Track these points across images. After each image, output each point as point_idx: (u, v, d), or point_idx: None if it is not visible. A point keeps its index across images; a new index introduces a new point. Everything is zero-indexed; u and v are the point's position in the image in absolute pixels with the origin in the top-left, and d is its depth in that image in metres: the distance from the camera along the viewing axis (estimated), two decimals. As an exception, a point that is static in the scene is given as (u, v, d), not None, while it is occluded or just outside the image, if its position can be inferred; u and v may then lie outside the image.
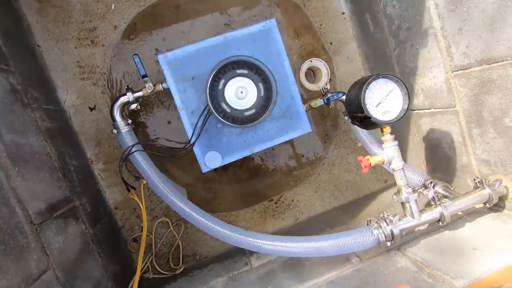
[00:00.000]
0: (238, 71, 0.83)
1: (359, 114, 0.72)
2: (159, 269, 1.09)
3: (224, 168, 1.14)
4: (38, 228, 0.65)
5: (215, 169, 1.12)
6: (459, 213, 0.87)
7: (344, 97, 1.02)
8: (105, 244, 0.93)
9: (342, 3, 1.17)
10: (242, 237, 0.87)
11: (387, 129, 0.74)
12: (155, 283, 1.06)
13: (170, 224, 1.11)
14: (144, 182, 0.92)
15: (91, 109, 1.04)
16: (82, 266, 0.77)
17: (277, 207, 1.20)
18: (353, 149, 1.23)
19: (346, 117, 1.06)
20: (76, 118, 1.03)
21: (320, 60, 1.18)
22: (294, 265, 0.90)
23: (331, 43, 1.18)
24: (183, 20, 1.07)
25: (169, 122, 1.09)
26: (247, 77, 0.84)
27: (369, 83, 0.70)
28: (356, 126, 1.03)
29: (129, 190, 0.96)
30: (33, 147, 0.74)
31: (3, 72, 0.73)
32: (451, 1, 0.73)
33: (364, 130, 1.01)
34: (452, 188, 0.83)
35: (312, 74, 1.23)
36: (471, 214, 0.84)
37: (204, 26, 1.08)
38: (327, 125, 1.22)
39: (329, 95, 1.02)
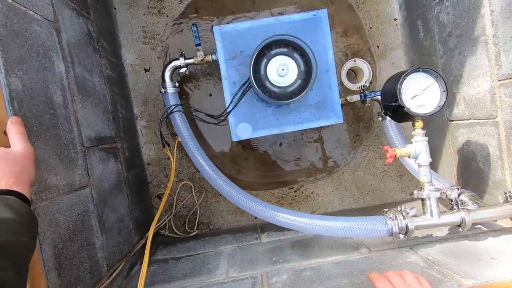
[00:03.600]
0: (283, 50, 0.89)
1: (393, 104, 0.73)
2: (174, 229, 1.16)
3: (253, 147, 1.19)
4: (86, 151, 0.74)
5: (243, 147, 1.19)
6: (483, 228, 0.83)
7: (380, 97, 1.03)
8: (134, 190, 1.01)
9: (396, 9, 1.18)
10: (250, 202, 0.91)
11: (419, 123, 0.75)
12: (169, 241, 1.13)
13: (193, 189, 1.18)
14: (179, 139, 1.00)
15: (146, 70, 1.15)
16: (113, 198, 0.85)
17: (295, 195, 1.22)
18: (382, 154, 1.22)
19: (380, 119, 1.07)
20: (131, 75, 1.15)
21: (364, 61, 1.20)
22: (302, 245, 0.92)
23: (378, 47, 1.20)
24: (241, 8, 1.16)
25: (210, 95, 1.17)
26: (291, 57, 0.89)
27: (408, 74, 0.72)
28: (389, 129, 1.04)
29: (163, 146, 1.05)
30: (95, 85, 0.85)
31: (85, 18, 0.85)
32: (507, 8, 0.72)
33: (395, 128, 1.01)
34: (479, 199, 0.81)
35: (353, 74, 1.26)
36: (496, 231, 0.80)
37: (259, 16, 1.16)
38: (359, 126, 1.22)
39: (366, 92, 1.04)
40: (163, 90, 1.02)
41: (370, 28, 1.20)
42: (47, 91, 0.63)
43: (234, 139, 0.97)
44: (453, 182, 1.02)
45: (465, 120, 0.92)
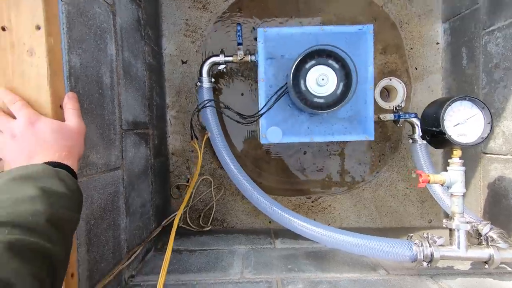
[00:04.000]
0: (325, 60, 0.89)
1: (434, 129, 0.72)
2: (189, 222, 1.17)
3: (276, 152, 1.19)
4: (123, 133, 0.76)
5: (266, 151, 1.19)
6: (509, 268, 0.81)
7: (415, 119, 1.02)
8: (157, 177, 1.03)
9: (440, 33, 1.17)
10: (272, 207, 0.91)
11: (458, 152, 0.74)
12: (182, 232, 1.14)
13: (212, 185, 1.19)
14: (209, 134, 1.01)
15: (183, 62, 1.17)
16: (139, 183, 0.86)
17: (312, 206, 1.21)
18: (406, 177, 1.21)
19: (410, 141, 1.05)
20: (168, 65, 1.17)
21: (400, 81, 1.18)
22: (317, 257, 0.91)
23: (416, 68, 1.19)
24: (284, 13, 1.16)
25: (242, 94, 1.18)
26: (332, 68, 0.89)
27: (453, 101, 0.71)
28: (419, 153, 1.02)
29: (192, 138, 1.06)
30: (138, 71, 0.87)
31: (137, 5, 0.88)
32: None
33: (424, 153, 0.99)
34: (507, 238, 0.78)
35: (386, 93, 1.24)
36: (522, 272, 0.78)
37: (301, 23, 1.17)
38: (386, 145, 1.21)
39: (401, 113, 1.03)
40: (199, 83, 1.04)
41: (411, 49, 1.18)
42: (98, 71, 0.65)
43: (263, 141, 0.97)
44: (479, 216, 0.99)
45: (501, 155, 0.90)
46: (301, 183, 1.21)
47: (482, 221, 0.82)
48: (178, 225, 1.15)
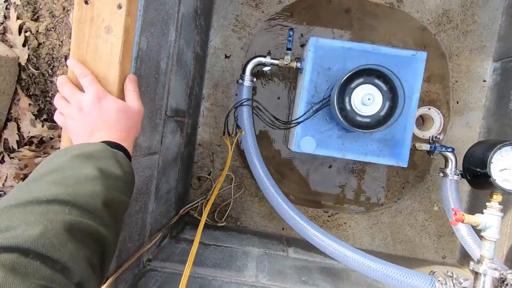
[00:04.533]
0: (374, 80, 0.88)
1: (478, 169, 0.71)
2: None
3: (302, 161, 1.19)
4: (166, 119, 0.77)
5: (292, 158, 1.18)
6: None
7: (450, 154, 1.00)
8: (183, 166, 1.03)
9: (489, 71, 1.15)
10: (295, 217, 0.90)
11: (498, 197, 0.72)
12: (197, 223, 1.14)
13: (233, 182, 1.19)
14: (243, 132, 1.01)
15: (226, 57, 1.18)
16: (169, 170, 0.87)
17: (328, 221, 1.21)
18: (427, 209, 1.19)
19: (440, 174, 1.04)
20: (211, 57, 1.17)
21: (439, 112, 1.16)
22: (331, 274, 0.90)
23: (457, 102, 1.17)
24: (337, 26, 1.16)
25: (278, 98, 1.18)
26: (379, 89, 0.88)
27: (504, 146, 0.69)
28: (447, 183, 1.00)
29: (224, 134, 1.06)
30: (187, 59, 0.88)
31: (197, -5, 0.88)
32: None
33: (454, 189, 0.98)
34: (532, 292, 0.77)
35: (421, 121, 1.23)
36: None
37: (351, 39, 1.16)
38: (412, 173, 1.19)
39: (437, 144, 1.01)
40: (240, 81, 1.04)
41: (456, 81, 1.16)
42: (158, 56, 0.65)
43: (295, 149, 0.97)
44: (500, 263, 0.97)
45: (536, 205, 0.88)
46: (320, 195, 1.20)
47: (508, 270, 0.80)
48: (193, 215, 1.17)
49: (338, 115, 0.88)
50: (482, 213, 0.74)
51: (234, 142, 1.05)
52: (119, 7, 0.50)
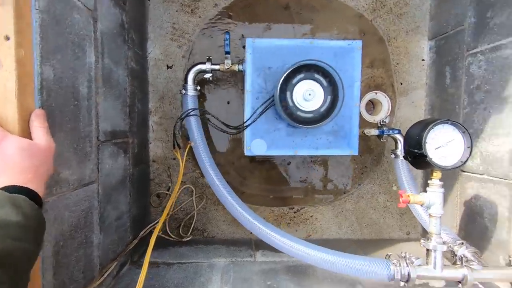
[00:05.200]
0: (313, 74, 0.88)
1: (416, 151, 0.73)
2: (168, 231, 1.14)
3: (260, 162, 1.18)
4: (100, 145, 0.72)
5: (250, 160, 1.17)
6: (481, 286, 0.83)
7: (398, 135, 1.03)
8: (136, 187, 0.99)
9: (426, 50, 1.19)
10: (251, 219, 0.90)
11: (438, 174, 0.75)
12: (161, 242, 1.11)
13: (194, 194, 1.16)
14: (192, 144, 0.99)
15: (168, 67, 1.14)
16: (116, 195, 0.83)
17: (294, 217, 1.21)
18: (387, 190, 1.22)
19: (392, 156, 1.07)
20: (153, 70, 1.13)
21: (385, 95, 1.20)
22: (297, 272, 0.91)
23: (401, 83, 1.20)
24: (278, 22, 1.15)
25: (228, 102, 1.16)
26: (319, 83, 0.88)
27: (436, 124, 0.72)
28: (400, 168, 1.04)
29: (174, 147, 1.03)
30: (119, 77, 0.83)
31: (121, 8, 0.84)
32: (543, 77, 0.73)
33: (405, 169, 1.01)
34: (480, 257, 0.81)
35: (372, 106, 1.26)
36: (494, 291, 0.80)
37: (289, 35, 1.15)
38: (369, 158, 1.22)
39: (385, 128, 1.04)
40: (183, 91, 1.01)
41: (397, 64, 1.20)
42: (75, 81, 0.61)
43: (247, 153, 0.96)
44: (455, 232, 1.02)
45: (478, 174, 0.92)
46: (284, 193, 1.20)
47: (457, 240, 0.84)
48: (157, 235, 1.13)
49: (282, 113, 0.88)
50: (426, 191, 0.76)
51: (186, 155, 1.02)
52: (7, 38, 0.45)
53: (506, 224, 0.82)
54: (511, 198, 0.81)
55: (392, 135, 1.04)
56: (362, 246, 1.16)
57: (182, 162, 1.00)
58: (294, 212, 1.21)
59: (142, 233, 1.03)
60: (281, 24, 1.15)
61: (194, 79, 1.01)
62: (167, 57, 1.13)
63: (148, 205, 1.15)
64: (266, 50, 0.94)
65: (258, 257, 1.01)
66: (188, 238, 1.14)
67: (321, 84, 0.88)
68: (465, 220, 0.99)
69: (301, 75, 0.88)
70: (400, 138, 1.04)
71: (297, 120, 0.89)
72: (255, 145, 0.94)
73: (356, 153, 0.98)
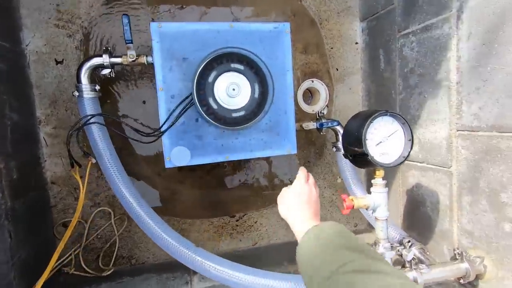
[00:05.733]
0: (236, 66, 0.73)
1: (356, 149, 0.64)
2: (84, 266, 0.93)
3: (191, 169, 1.02)
4: None
5: (179, 168, 1.00)
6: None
7: (338, 127, 0.95)
8: (23, 224, 0.76)
9: (358, 32, 1.12)
10: (187, 252, 0.74)
11: (381, 172, 0.67)
12: (74, 282, 0.90)
13: (112, 217, 0.96)
14: (93, 160, 0.78)
15: (58, 62, 0.89)
16: (-20, 244, 0.60)
17: (237, 225, 1.08)
18: (332, 183, 1.16)
19: (333, 149, 0.99)
20: (36, 67, 0.87)
21: (322, 83, 1.11)
22: (240, 297, 0.78)
23: (337, 69, 1.13)
24: (196, 3, 0.96)
25: (143, 102, 0.96)
26: (244, 75, 0.74)
27: (375, 118, 0.63)
28: (343, 161, 0.96)
29: (72, 166, 0.81)
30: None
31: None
32: (476, 57, 0.68)
33: (350, 167, 0.93)
34: (428, 253, 0.77)
35: (309, 95, 1.16)
36: (441, 284, 0.77)
37: (211, 17, 0.98)
38: (311, 151, 1.14)
39: (323, 120, 0.95)
40: (76, 93, 0.78)
41: (331, 48, 1.11)
42: None
43: (168, 165, 0.78)
44: (399, 222, 0.99)
45: (418, 162, 0.89)
46: (222, 201, 1.06)
47: (404, 237, 0.79)
48: (68, 272, 0.91)
49: (204, 115, 0.72)
50: (370, 192, 0.68)
51: (87, 175, 0.81)
52: None
53: (448, 213, 0.79)
54: (451, 187, 0.78)
55: (331, 127, 0.95)
56: (311, 246, 1.08)
57: (83, 187, 0.79)
58: (236, 221, 1.08)
59: (44, 276, 0.80)
60: (203, 7, 0.97)
61: (89, 76, 0.79)
62: (54, 49, 0.88)
63: (51, 238, 0.91)
64: (177, 36, 0.76)
65: (195, 283, 0.87)
66: (110, 271, 0.93)
67: (247, 76, 0.74)
68: (408, 208, 0.95)
69: (222, 67, 0.73)
70: (340, 129, 0.96)
71: (223, 121, 0.74)
72: (176, 155, 0.77)
73: (295, 152, 0.87)
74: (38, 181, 0.86)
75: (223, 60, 0.72)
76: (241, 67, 0.74)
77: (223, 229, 1.07)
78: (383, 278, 0.34)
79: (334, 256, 0.40)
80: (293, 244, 1.09)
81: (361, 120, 0.64)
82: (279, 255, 1.04)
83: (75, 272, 0.92)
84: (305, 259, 0.44)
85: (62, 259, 0.91)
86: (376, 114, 0.63)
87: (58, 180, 0.92)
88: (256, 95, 0.75)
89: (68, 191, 0.93)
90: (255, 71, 0.74)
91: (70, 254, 0.92)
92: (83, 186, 0.78)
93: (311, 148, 1.14)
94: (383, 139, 0.64)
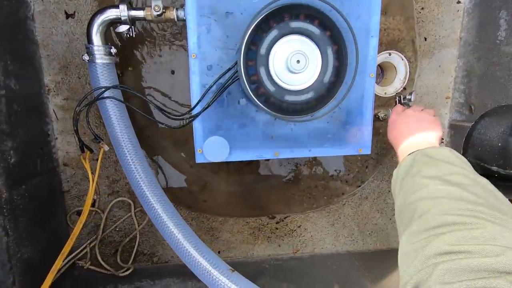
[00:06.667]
0: (302, 25, 0.50)
1: (495, 168, 0.39)
2: (100, 260, 0.81)
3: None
4: None
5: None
6: None
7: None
8: (26, 216, 0.62)
9: (464, -13, 0.81)
10: (220, 277, 0.57)
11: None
12: (90, 277, 0.78)
13: (132, 208, 0.81)
14: (106, 148, 0.61)
15: (68, 15, 0.70)
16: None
17: (277, 228, 0.90)
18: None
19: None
20: (42, 21, 0.69)
21: (403, 57, 0.83)
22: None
23: (425, 38, 0.84)
24: None
25: (172, 72, 0.76)
26: (314, 40, 0.50)
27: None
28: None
29: (83, 151, 0.65)
30: None
31: None
32: None
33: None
34: None
35: (380, 72, 0.90)
36: None
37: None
38: (376, 146, 0.89)
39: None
40: (86, 57, 0.60)
41: (422, 8, 0.82)
42: None
43: (199, 160, 0.59)
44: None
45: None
46: (262, 199, 0.87)
47: None
48: (83, 266, 0.79)
49: (252, 97, 0.51)
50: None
51: (99, 163, 0.64)
52: None
53: None
54: None
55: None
56: (367, 262, 0.88)
57: (93, 181, 0.62)
58: (276, 223, 0.90)
59: (53, 273, 0.68)
60: None
61: (103, 35, 0.60)
62: (64, -2, 0.69)
63: (65, 228, 0.79)
64: (220, -20, 0.53)
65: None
66: (129, 271, 0.81)
67: (318, 41, 0.51)
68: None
69: (283, 27, 0.50)
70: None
71: (278, 106, 0.52)
72: (211, 147, 0.58)
73: (369, 152, 0.64)
74: (46, 163, 0.71)
75: (285, 17, 0.49)
76: (309, 27, 0.50)
77: (260, 232, 0.89)
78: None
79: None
80: (341, 257, 0.89)
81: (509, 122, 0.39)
82: (325, 268, 0.86)
83: (90, 267, 0.80)
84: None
85: (76, 252, 0.79)
86: (544, 115, 0.37)
87: (71, 162, 0.77)
88: (331, 69, 0.51)
89: (83, 174, 0.78)
90: (330, 35, 0.50)
91: (86, 247, 0.80)
92: (93, 180, 0.62)
93: (376, 142, 0.89)
94: (545, 156, 0.39)
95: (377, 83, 0.88)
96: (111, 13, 0.58)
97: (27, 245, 0.63)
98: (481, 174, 0.43)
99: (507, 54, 0.70)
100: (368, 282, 0.80)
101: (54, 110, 0.74)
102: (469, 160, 0.44)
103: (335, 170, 0.88)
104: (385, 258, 0.90)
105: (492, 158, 0.40)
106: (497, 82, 0.72)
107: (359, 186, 0.90)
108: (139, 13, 0.59)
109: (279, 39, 0.50)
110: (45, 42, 0.70)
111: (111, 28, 0.69)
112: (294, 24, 0.49)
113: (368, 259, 0.90)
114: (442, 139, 0.61)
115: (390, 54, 0.83)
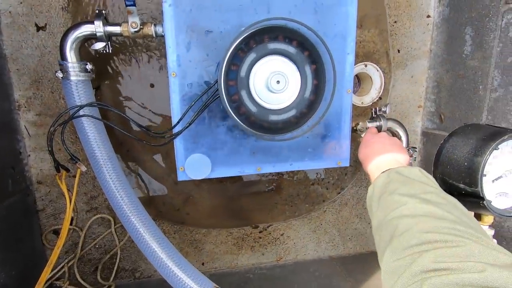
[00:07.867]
0: (282, 46, 0.51)
1: (463, 186, 0.42)
2: (79, 278, 0.78)
3: (209, 170, 0.82)
4: None
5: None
6: None
7: (399, 129, 0.73)
8: (-3, 240, 0.59)
9: (433, 2, 0.85)
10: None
11: (489, 218, 0.46)
12: (69, 297, 0.76)
13: (113, 225, 0.79)
14: (83, 169, 0.59)
15: (39, 28, 0.67)
16: None
17: (260, 237, 0.91)
18: (376, 192, 0.96)
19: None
20: (10, 33, 0.66)
21: (378, 68, 0.87)
22: None
23: (398, 50, 0.87)
24: None
25: (152, 86, 0.75)
26: (293, 61, 0.51)
27: (503, 141, 0.41)
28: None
29: (58, 171, 0.62)
30: None
31: None
32: None
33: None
34: None
35: (357, 81, 0.93)
36: None
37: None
38: (354, 154, 0.92)
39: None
40: (60, 74, 0.57)
41: (395, 22, 0.85)
42: None
43: (181, 178, 0.59)
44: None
45: None
46: (245, 209, 0.88)
47: None
48: (58, 287, 0.76)
49: (233, 115, 0.51)
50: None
51: (76, 185, 0.62)
52: None
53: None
54: None
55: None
56: (347, 266, 0.91)
57: (70, 201, 0.60)
58: (260, 232, 0.91)
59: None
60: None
61: (78, 51, 0.58)
62: (35, 10, 0.66)
63: (40, 248, 0.76)
64: (199, 0, 0.53)
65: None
66: (110, 288, 0.79)
67: (297, 61, 0.52)
68: None
69: (263, 48, 0.50)
70: (401, 132, 0.74)
71: (259, 126, 0.53)
72: (193, 164, 0.58)
73: (347, 164, 0.66)
74: (18, 183, 0.68)
75: (263, 37, 0.49)
76: (289, 48, 0.51)
77: (244, 241, 0.90)
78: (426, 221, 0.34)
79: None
80: (323, 263, 0.91)
81: (477, 142, 0.42)
82: (308, 274, 0.88)
83: (69, 287, 0.77)
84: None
85: (53, 272, 0.76)
86: (505, 135, 0.40)
87: (46, 179, 0.74)
88: (310, 88, 0.53)
89: (58, 192, 0.75)
90: (309, 54, 0.51)
91: (63, 266, 0.77)
92: (70, 201, 0.60)
93: (355, 149, 0.92)
94: (505, 173, 0.43)
95: (354, 93, 0.91)
96: (85, 29, 0.56)
97: (2, 270, 0.60)
98: (450, 190, 0.45)
99: (472, 68, 0.74)
100: (349, 287, 0.83)
101: (25, 127, 0.70)
102: (439, 177, 0.47)
103: (316, 178, 0.90)
104: (365, 260, 0.94)
105: (459, 177, 0.43)
106: (464, 94, 0.77)
107: (339, 193, 0.93)
108: (116, 29, 0.57)
109: (259, 60, 0.51)
110: (14, 56, 0.67)
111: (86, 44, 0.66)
112: (273, 45, 0.50)
113: (349, 263, 0.93)
114: (411, 156, 0.65)
115: (366, 65, 0.87)
